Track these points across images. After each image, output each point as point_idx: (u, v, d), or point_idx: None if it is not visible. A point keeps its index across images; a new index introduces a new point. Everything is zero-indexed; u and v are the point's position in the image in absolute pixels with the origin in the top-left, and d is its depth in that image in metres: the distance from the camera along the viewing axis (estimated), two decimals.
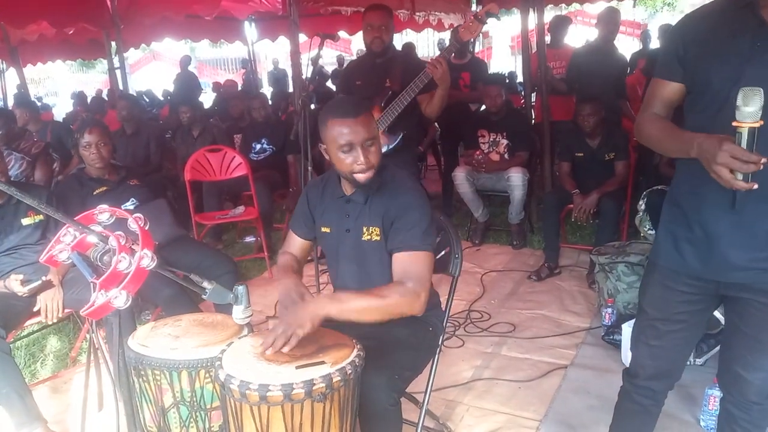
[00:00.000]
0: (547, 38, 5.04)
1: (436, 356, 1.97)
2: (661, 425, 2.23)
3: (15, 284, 2.37)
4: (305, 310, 1.55)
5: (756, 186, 1.25)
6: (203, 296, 1.51)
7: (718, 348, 2.43)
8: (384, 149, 3.06)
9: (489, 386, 2.58)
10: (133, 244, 1.32)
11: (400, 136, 3.11)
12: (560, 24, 5.21)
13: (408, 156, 3.26)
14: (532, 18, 4.74)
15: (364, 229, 1.80)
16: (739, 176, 1.24)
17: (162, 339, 1.63)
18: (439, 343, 1.98)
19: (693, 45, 1.43)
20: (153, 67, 17.29)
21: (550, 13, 6.23)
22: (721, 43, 1.38)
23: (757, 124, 1.22)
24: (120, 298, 1.25)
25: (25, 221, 2.60)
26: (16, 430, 2.24)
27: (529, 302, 3.44)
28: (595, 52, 4.58)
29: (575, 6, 8.51)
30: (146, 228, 1.33)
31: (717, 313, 2.13)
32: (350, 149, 1.69)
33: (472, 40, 3.18)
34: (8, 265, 2.57)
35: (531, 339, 2.99)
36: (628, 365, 1.78)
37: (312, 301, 1.62)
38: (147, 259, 1.28)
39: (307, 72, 3.41)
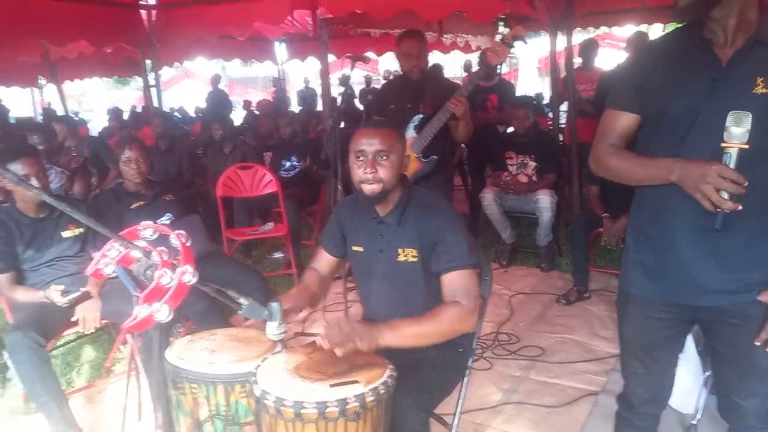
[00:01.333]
0: (578, 61, 5.05)
1: (465, 378, 1.96)
2: None
3: (55, 295, 2.44)
4: (370, 329, 1.57)
5: (740, 207, 1.28)
6: (239, 311, 1.54)
7: None
8: (420, 173, 3.10)
9: (518, 410, 2.56)
10: (173, 260, 1.36)
11: (434, 159, 3.14)
12: (590, 47, 5.21)
13: (442, 179, 3.28)
14: (561, 40, 4.76)
15: (399, 251, 1.82)
16: (725, 196, 1.28)
17: (198, 353, 1.66)
18: (469, 364, 1.98)
19: (653, 76, 1.46)
20: (185, 85, 17.70)
21: (578, 36, 6.26)
22: (680, 76, 1.42)
23: (745, 146, 1.27)
24: (162, 312, 1.29)
25: (66, 234, 2.68)
26: None
27: (558, 326, 3.41)
28: None
29: (603, 29, 8.49)
30: (188, 244, 1.36)
31: None
32: (362, 158, 1.74)
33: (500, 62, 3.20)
34: (48, 276, 2.65)
35: (560, 363, 2.96)
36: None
37: (376, 327, 1.61)
38: (188, 275, 1.32)
39: (337, 92, 3.47)
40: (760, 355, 1.44)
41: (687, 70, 1.42)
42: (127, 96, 18.93)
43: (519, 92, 7.68)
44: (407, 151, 3.07)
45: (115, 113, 10.81)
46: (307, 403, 1.36)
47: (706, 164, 1.30)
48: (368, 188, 1.75)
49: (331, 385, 1.43)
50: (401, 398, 1.56)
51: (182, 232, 1.36)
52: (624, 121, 1.53)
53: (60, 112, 8.32)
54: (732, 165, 1.28)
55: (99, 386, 2.90)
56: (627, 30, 6.84)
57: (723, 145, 1.29)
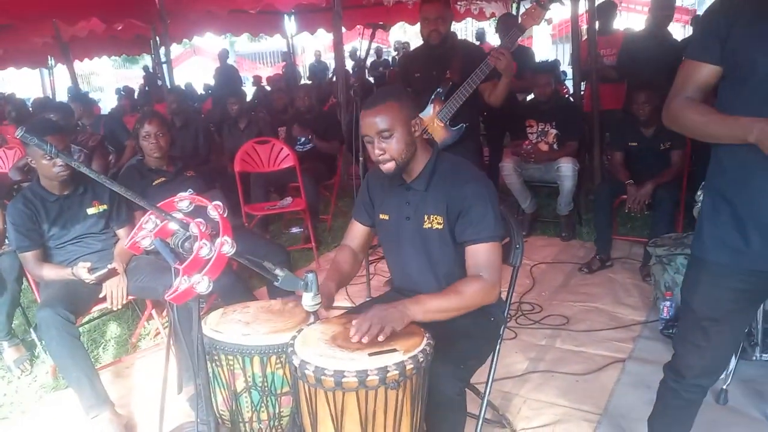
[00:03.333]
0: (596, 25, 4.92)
1: (498, 346, 1.96)
2: (727, 421, 2.19)
3: (83, 272, 2.45)
4: (398, 310, 1.58)
5: None
6: (275, 282, 1.53)
7: None
8: (448, 141, 3.05)
9: (545, 379, 2.56)
10: (211, 231, 1.34)
11: (463, 127, 3.09)
12: (608, 9, 5.06)
13: (471, 146, 3.22)
14: (582, 3, 4.64)
15: (425, 218, 1.81)
16: None
17: (234, 325, 1.67)
18: (501, 332, 1.97)
19: (737, 27, 1.36)
20: (193, 62, 17.60)
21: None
22: (766, 30, 1.32)
23: None
24: (202, 284, 1.28)
25: (90, 211, 2.68)
26: (86, 413, 2.33)
27: (581, 294, 3.39)
28: (649, 38, 4.42)
29: None
30: (225, 215, 1.35)
31: None
32: (370, 141, 1.76)
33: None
34: (74, 253, 2.66)
35: (586, 332, 2.94)
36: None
37: (401, 304, 1.62)
38: (227, 246, 1.31)
39: (362, 61, 3.40)
40: None
41: None
42: (136, 75, 18.86)
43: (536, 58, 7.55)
44: (433, 122, 3.02)
45: (127, 92, 10.79)
46: (348, 372, 1.36)
47: None
48: (385, 167, 1.78)
49: (370, 354, 1.43)
50: (439, 368, 1.56)
51: (219, 203, 1.35)
52: (704, 72, 1.43)
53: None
54: None
55: (126, 362, 2.94)
56: None
57: None
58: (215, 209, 1.34)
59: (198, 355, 1.41)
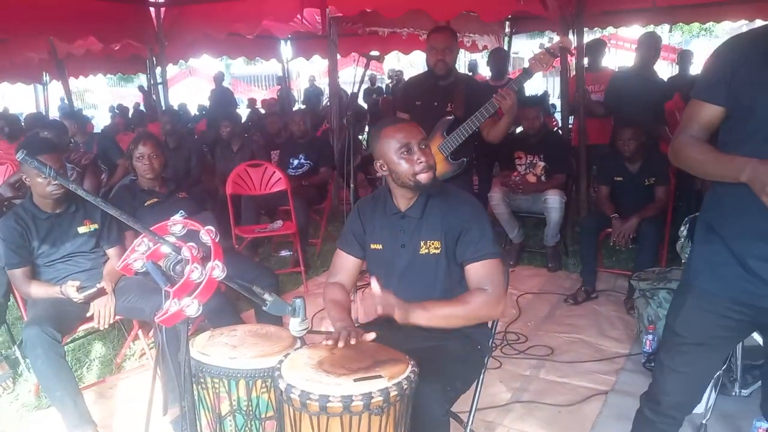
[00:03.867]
0: (584, 61, 5.06)
1: (482, 375, 1.98)
2: None
3: (71, 290, 2.46)
4: (405, 305, 1.65)
5: None
6: (263, 308, 1.56)
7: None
8: (448, 175, 3.10)
9: (529, 409, 2.58)
10: (203, 256, 1.37)
11: (464, 162, 3.14)
12: (597, 47, 5.23)
13: (466, 179, 3.30)
14: (571, 40, 4.76)
15: (422, 244, 1.85)
16: None
17: (220, 348, 1.69)
18: (485, 361, 2.00)
19: (741, 68, 1.41)
20: (188, 83, 17.72)
21: (585, 37, 6.26)
22: None
23: None
24: (192, 307, 1.30)
25: (81, 229, 2.69)
26: None
27: (566, 326, 3.42)
28: (634, 76, 4.57)
29: (610, 30, 8.51)
30: (217, 240, 1.38)
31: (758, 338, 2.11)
32: (408, 151, 1.78)
33: (544, 72, 3.16)
34: (63, 271, 2.67)
35: (570, 363, 2.97)
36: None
37: (404, 305, 1.67)
38: (218, 270, 1.33)
39: (354, 88, 3.46)
40: None
41: None
42: (129, 93, 18.94)
43: (525, 92, 7.69)
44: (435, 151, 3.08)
45: (121, 110, 10.82)
46: (333, 397, 1.38)
47: None
48: (425, 177, 1.79)
49: (356, 380, 1.45)
50: (426, 388, 1.58)
51: (212, 228, 1.38)
52: (708, 112, 1.48)
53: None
54: None
55: (110, 382, 2.92)
56: (633, 31, 6.88)
57: None
58: (207, 234, 1.37)
59: (184, 377, 1.43)
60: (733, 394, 2.56)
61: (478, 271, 1.78)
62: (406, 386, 1.47)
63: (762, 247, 1.41)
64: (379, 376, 1.47)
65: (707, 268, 1.53)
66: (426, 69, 3.31)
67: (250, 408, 1.63)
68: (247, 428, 1.64)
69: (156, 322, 1.31)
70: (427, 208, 1.86)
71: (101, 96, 20.02)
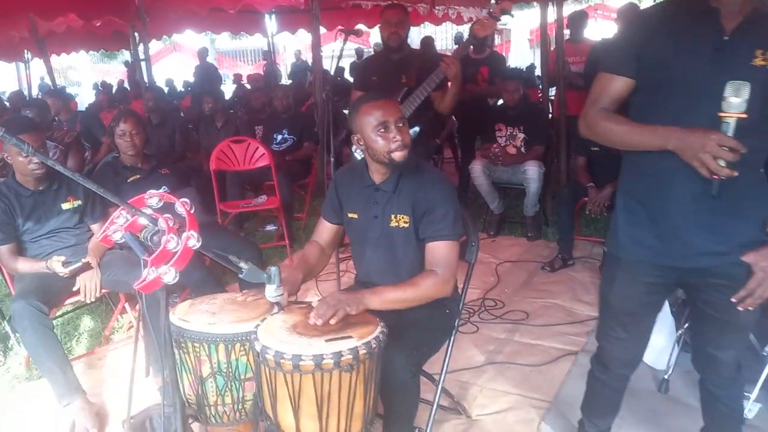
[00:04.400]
0: (567, 33, 5.09)
1: (452, 337, 2.09)
2: (668, 410, 2.35)
3: (57, 265, 2.53)
4: (355, 296, 1.72)
5: (737, 173, 1.33)
6: (239, 275, 1.64)
7: None
8: None
9: (501, 370, 2.70)
10: (178, 226, 1.45)
11: (416, 131, 3.21)
12: (579, 19, 5.24)
13: (422, 150, 3.35)
14: (552, 12, 4.80)
15: (392, 217, 1.93)
16: (722, 164, 1.33)
17: (200, 315, 1.77)
18: (455, 324, 2.10)
19: (652, 43, 1.47)
20: (173, 59, 17.52)
21: (569, 8, 6.28)
22: (682, 45, 1.43)
23: (744, 116, 1.32)
24: (169, 274, 1.38)
25: (65, 206, 2.75)
26: (58, 401, 2.40)
27: (542, 292, 3.54)
28: None
29: (595, 0, 8.52)
30: (192, 212, 1.45)
31: None
32: (385, 129, 1.83)
33: (488, 35, 3.31)
34: (48, 247, 2.73)
35: (543, 326, 3.10)
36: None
37: (360, 293, 1.76)
38: (193, 240, 1.41)
39: (332, 63, 3.53)
40: (741, 312, 1.51)
41: (689, 39, 1.42)
42: (114, 70, 18.70)
43: (511, 64, 7.73)
44: None
45: (105, 87, 10.72)
46: (305, 356, 1.47)
47: (705, 133, 1.33)
48: (399, 155, 1.84)
49: (327, 341, 1.54)
50: (393, 354, 1.68)
51: (186, 200, 1.45)
52: (618, 85, 1.54)
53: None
54: (730, 134, 1.32)
55: (99, 353, 3.01)
56: (619, 1, 6.87)
57: (721, 114, 1.32)
58: (182, 206, 1.44)
59: (165, 342, 1.51)
60: None
61: (433, 250, 1.86)
62: (375, 345, 1.56)
63: (683, 208, 1.49)
64: (350, 337, 1.56)
65: (634, 239, 1.59)
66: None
67: (230, 370, 1.72)
68: (227, 389, 1.74)
69: (135, 288, 1.39)
70: (399, 184, 1.92)
71: (85, 73, 19.77)
